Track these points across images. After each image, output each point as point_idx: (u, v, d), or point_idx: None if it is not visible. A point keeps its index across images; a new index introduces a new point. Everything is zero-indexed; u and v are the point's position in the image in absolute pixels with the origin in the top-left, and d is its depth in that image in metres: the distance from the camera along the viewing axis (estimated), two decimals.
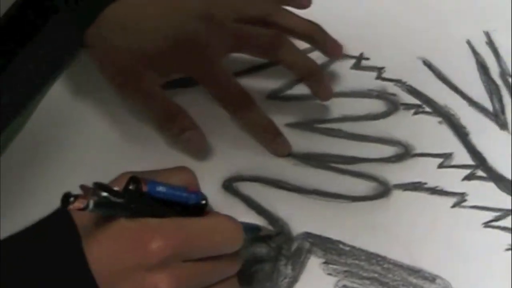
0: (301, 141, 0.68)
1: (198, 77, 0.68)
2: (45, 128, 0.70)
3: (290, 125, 0.69)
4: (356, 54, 0.74)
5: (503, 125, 0.69)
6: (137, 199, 0.51)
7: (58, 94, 0.72)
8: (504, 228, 0.63)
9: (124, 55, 0.67)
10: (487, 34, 0.75)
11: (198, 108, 0.69)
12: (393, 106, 0.71)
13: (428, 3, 0.77)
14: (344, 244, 0.63)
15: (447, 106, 0.70)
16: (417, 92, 0.71)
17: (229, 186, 0.66)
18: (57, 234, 0.51)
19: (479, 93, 0.71)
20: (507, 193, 0.65)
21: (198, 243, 0.52)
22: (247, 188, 0.66)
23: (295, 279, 0.61)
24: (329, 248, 0.63)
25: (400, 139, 0.68)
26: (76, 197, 0.48)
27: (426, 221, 0.64)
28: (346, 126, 0.69)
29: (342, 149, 0.68)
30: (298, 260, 0.62)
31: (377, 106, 0.71)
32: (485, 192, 0.65)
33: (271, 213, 0.64)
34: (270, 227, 0.63)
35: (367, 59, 0.74)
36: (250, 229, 0.58)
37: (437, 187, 0.66)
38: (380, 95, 0.71)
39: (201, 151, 0.68)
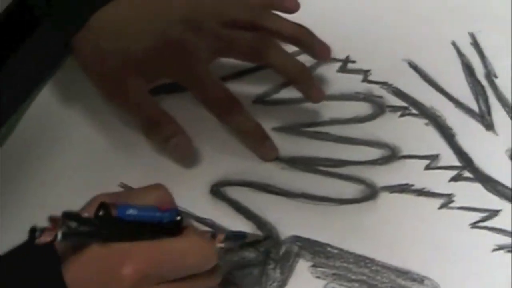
0: (288, 145, 0.68)
1: (184, 82, 0.68)
2: (33, 134, 0.70)
3: (277, 129, 0.69)
4: (342, 57, 0.74)
5: (489, 126, 0.69)
6: (108, 224, 0.51)
7: (45, 100, 0.72)
8: (491, 229, 0.63)
9: (111, 59, 0.67)
10: (472, 35, 0.75)
11: (186, 113, 0.69)
12: (380, 108, 0.71)
13: (413, 5, 0.77)
14: (332, 247, 0.63)
15: (433, 108, 0.71)
16: (403, 94, 0.72)
17: (217, 190, 0.66)
18: (38, 258, 0.51)
19: (465, 94, 0.71)
20: (494, 194, 0.65)
21: (169, 265, 0.52)
22: (235, 192, 0.66)
23: (284, 283, 0.61)
24: (318, 251, 0.63)
25: (387, 141, 0.69)
26: (43, 230, 0.48)
27: (414, 223, 0.64)
28: (333, 129, 0.69)
29: (329, 152, 0.68)
30: (286, 264, 0.62)
31: (363, 108, 0.71)
32: (472, 193, 0.65)
33: (259, 217, 0.64)
34: (258, 232, 0.63)
35: (353, 62, 0.74)
36: (236, 237, 0.58)
37: (424, 188, 0.66)
38: (367, 97, 0.72)
39: (188, 156, 0.68)
